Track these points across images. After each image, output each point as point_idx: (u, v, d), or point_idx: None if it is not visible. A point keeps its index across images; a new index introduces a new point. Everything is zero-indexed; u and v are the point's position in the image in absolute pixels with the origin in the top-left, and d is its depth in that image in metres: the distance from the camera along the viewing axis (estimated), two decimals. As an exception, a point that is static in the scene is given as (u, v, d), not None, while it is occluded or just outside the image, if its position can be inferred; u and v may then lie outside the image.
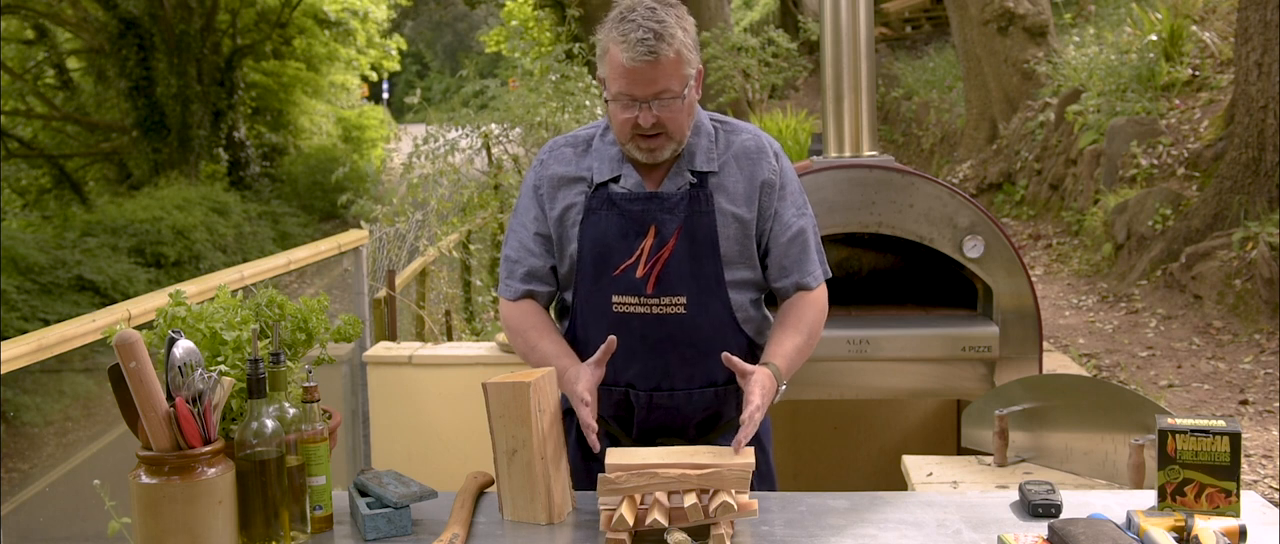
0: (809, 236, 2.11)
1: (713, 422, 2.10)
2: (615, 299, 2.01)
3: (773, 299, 2.17)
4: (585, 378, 1.92)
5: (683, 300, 2.00)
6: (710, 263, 2.00)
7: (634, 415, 2.06)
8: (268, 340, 1.79)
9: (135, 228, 14.42)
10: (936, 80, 15.16)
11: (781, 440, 2.98)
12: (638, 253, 2.00)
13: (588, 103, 6.40)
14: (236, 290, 2.22)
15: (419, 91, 8.03)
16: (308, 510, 1.77)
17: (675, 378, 2.02)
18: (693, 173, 2.03)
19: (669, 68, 1.90)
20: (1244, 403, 5.35)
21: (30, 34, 19.57)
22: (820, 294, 2.13)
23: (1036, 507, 1.82)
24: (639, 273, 2.00)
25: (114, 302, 5.93)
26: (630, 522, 1.66)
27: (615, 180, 2.03)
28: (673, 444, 2.05)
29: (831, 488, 1.98)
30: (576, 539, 1.75)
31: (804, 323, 2.06)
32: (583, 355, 2.04)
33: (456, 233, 6.17)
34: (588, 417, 1.86)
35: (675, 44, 1.90)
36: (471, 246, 6.37)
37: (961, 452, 2.90)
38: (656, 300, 1.99)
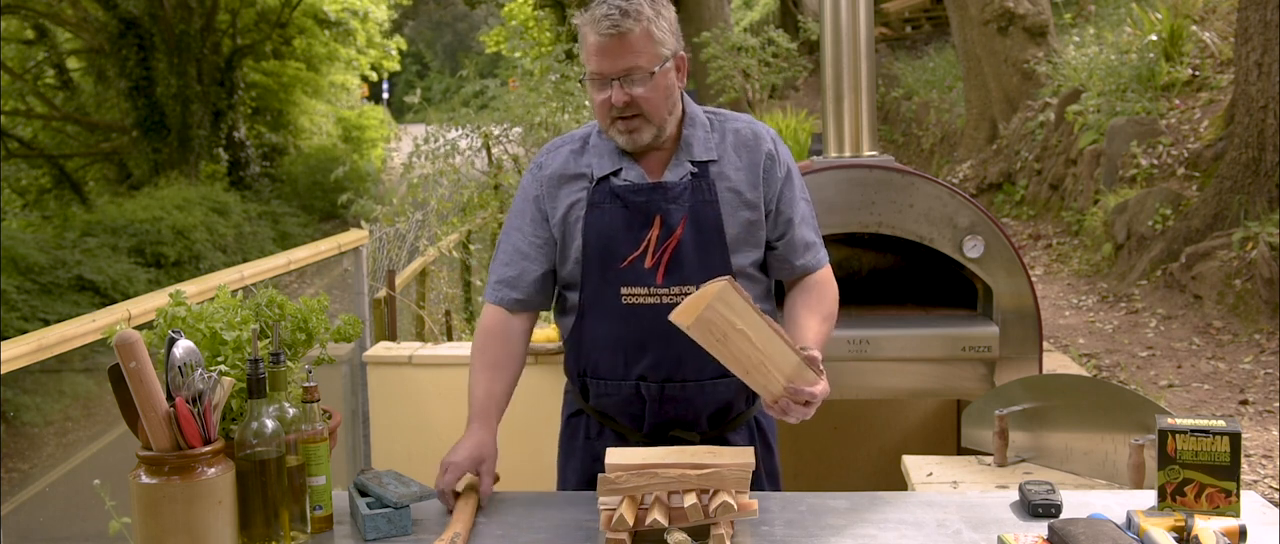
0: (813, 221, 2.15)
1: (724, 414, 2.09)
2: (624, 291, 2.01)
3: (778, 294, 2.18)
4: (465, 448, 1.92)
5: (693, 290, 2.00)
6: (717, 251, 2.01)
7: (645, 410, 2.06)
8: (268, 340, 1.79)
9: (135, 228, 14.42)
10: (936, 80, 15.16)
11: (782, 440, 2.98)
12: (645, 243, 2.00)
13: (587, 103, 6.40)
14: (236, 290, 2.22)
15: (419, 91, 8.01)
16: (308, 510, 1.77)
17: (686, 369, 2.02)
18: (693, 163, 2.04)
19: (636, 44, 1.93)
20: (1244, 403, 5.35)
21: (30, 34, 19.59)
22: (831, 274, 2.15)
23: (1036, 507, 1.82)
24: (648, 263, 2.00)
25: (114, 302, 5.93)
26: (630, 522, 1.66)
27: (616, 173, 2.04)
28: (687, 437, 2.05)
29: (831, 488, 1.98)
30: (576, 539, 1.75)
31: (825, 304, 2.07)
32: (591, 351, 2.05)
33: (456, 233, 6.17)
34: (447, 482, 1.87)
35: (643, 21, 1.93)
36: (471, 246, 6.37)
37: (961, 452, 2.90)
38: (667, 290, 1.99)
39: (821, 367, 1.81)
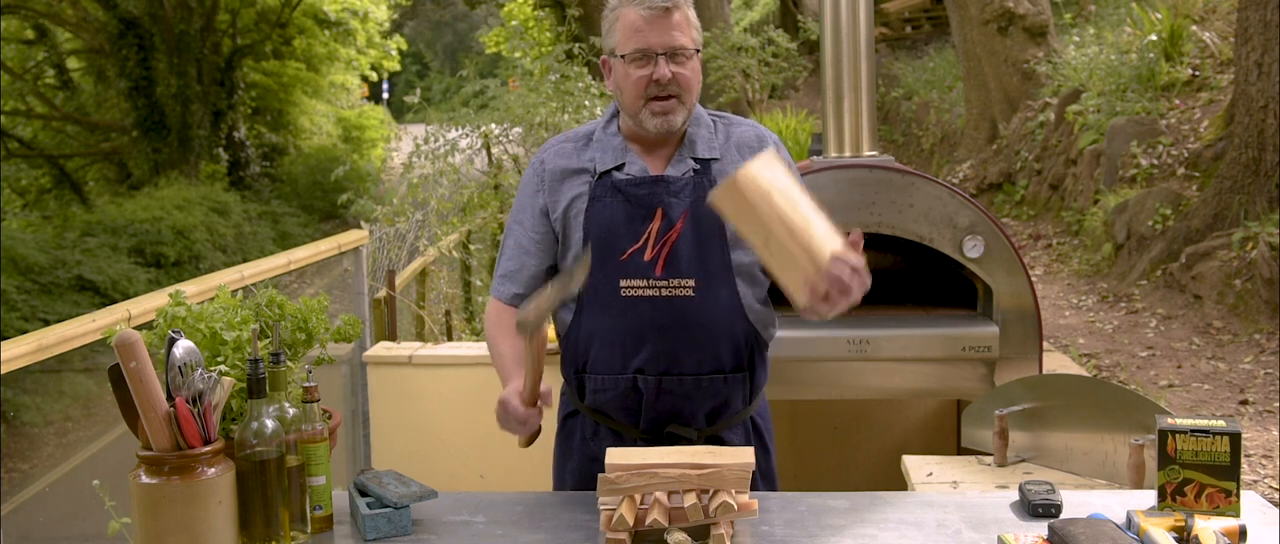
0: None
1: (721, 411, 2.09)
2: (623, 283, 2.01)
3: (778, 297, 2.18)
4: (516, 384, 1.94)
5: (691, 283, 2.01)
6: (717, 247, 2.02)
7: (642, 404, 2.06)
8: (268, 340, 1.79)
9: (135, 228, 14.42)
10: (936, 80, 15.16)
11: (781, 440, 2.98)
12: (645, 236, 2.01)
13: (588, 103, 6.40)
14: (236, 290, 2.22)
15: (419, 91, 8.01)
16: (308, 510, 1.77)
17: (684, 363, 2.02)
18: (695, 160, 2.06)
19: (680, 23, 2.00)
20: (1244, 403, 5.35)
21: (30, 34, 19.58)
22: None
23: (1036, 507, 1.82)
24: (647, 256, 2.01)
25: (114, 302, 5.93)
26: (630, 522, 1.66)
27: (619, 168, 2.06)
28: (683, 433, 2.05)
29: (831, 488, 1.98)
30: (576, 539, 1.75)
31: None
32: (588, 344, 2.05)
33: (456, 233, 6.17)
34: (514, 406, 1.89)
35: (683, 5, 2.02)
36: (471, 246, 6.37)
37: (961, 452, 2.90)
38: (665, 282, 2.00)
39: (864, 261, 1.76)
